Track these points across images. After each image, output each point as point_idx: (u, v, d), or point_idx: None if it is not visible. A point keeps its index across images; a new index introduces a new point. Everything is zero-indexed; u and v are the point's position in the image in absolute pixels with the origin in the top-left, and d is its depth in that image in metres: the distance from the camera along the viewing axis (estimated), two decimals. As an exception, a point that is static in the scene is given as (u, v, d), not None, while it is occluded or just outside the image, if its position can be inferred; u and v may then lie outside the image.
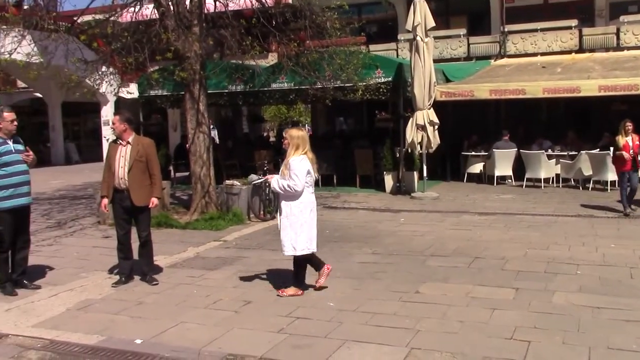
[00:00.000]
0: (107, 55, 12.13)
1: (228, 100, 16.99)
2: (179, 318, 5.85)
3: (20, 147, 6.88)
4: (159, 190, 7.25)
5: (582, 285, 6.62)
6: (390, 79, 14.44)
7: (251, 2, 12.41)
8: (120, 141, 7.07)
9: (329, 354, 4.89)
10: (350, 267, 7.69)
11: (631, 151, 11.03)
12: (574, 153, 15.12)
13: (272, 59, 19.68)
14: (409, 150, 14.46)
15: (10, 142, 6.76)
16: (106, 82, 12.79)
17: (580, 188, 14.70)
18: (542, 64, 17.22)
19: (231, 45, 11.44)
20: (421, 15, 13.55)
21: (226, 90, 16.18)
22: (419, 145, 14.01)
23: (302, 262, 6.62)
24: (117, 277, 7.27)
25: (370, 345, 5.04)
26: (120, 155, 7.01)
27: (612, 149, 11.98)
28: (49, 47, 11.21)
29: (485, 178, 16.35)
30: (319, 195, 14.65)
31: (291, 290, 6.53)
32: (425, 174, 14.32)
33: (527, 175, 15.24)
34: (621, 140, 11.11)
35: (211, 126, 15.02)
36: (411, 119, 13.89)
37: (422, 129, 13.75)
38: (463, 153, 16.95)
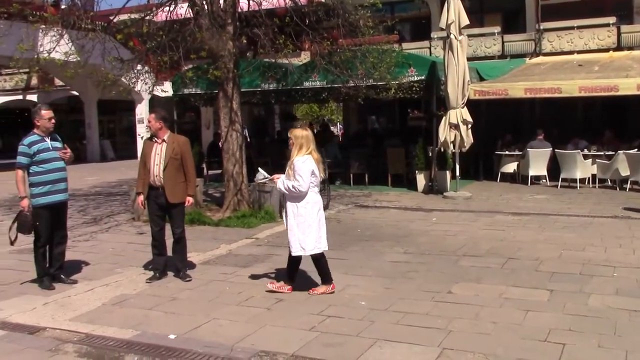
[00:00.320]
0: (143, 54, 12.30)
1: (261, 99, 17.11)
2: (212, 314, 5.91)
3: (58, 144, 7.01)
4: (193, 188, 7.33)
5: (618, 288, 6.50)
6: (423, 77, 14.37)
7: (284, 0, 12.46)
8: (156, 139, 7.16)
9: (360, 352, 4.89)
10: (381, 266, 7.68)
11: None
12: (610, 153, 14.83)
13: (304, 57, 19.73)
14: (442, 149, 14.36)
15: (47, 140, 6.89)
16: (141, 80, 12.97)
17: (617, 189, 14.42)
18: (578, 62, 16.93)
19: (264, 44, 11.49)
20: (455, 13, 13.44)
21: (259, 89, 16.27)
22: (451, 144, 13.90)
23: (319, 259, 6.55)
24: (152, 273, 7.36)
25: (402, 345, 5.02)
26: (155, 152, 7.09)
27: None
28: (86, 46, 11.40)
29: (519, 178, 16.16)
30: (351, 194, 14.81)
31: (321, 288, 6.52)
32: (457, 173, 14.21)
33: (562, 176, 15.00)
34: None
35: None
36: (444, 118, 13.79)
37: (455, 128, 13.64)
38: (496, 152, 16.77)
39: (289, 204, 6.46)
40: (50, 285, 6.93)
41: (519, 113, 18.27)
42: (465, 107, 13.78)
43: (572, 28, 18.63)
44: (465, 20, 13.61)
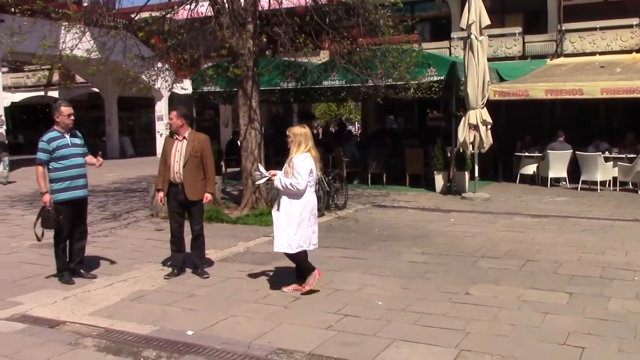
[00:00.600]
0: (163, 52, 12.37)
1: (279, 97, 17.14)
2: (229, 311, 5.93)
3: (78, 140, 7.06)
4: (212, 186, 7.35)
5: (639, 292, 6.42)
6: (442, 77, 14.32)
7: (305, -1, 12.48)
8: (177, 136, 7.19)
9: (377, 352, 4.88)
10: (399, 267, 7.66)
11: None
12: (632, 155, 14.66)
13: (323, 56, 19.73)
14: (461, 150, 14.29)
15: (67, 136, 6.93)
16: (161, 78, 13.07)
17: (639, 192, 14.25)
18: (600, 63, 16.76)
19: (284, 43, 11.50)
20: (476, 13, 13.37)
21: (278, 87, 16.31)
22: (470, 145, 13.82)
23: (299, 255, 6.49)
24: (170, 269, 7.40)
25: (419, 345, 5.01)
26: (176, 149, 7.12)
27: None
28: (108, 43, 11.50)
29: (538, 179, 16.04)
30: (368, 193, 14.78)
31: (309, 280, 6.46)
32: (476, 174, 14.13)
33: (582, 178, 14.86)
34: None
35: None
36: (463, 118, 13.72)
37: (474, 129, 13.56)
38: (516, 154, 16.65)
39: (283, 201, 6.43)
40: (70, 280, 7.01)
41: (539, 114, 18.11)
42: (485, 108, 13.71)
43: (594, 29, 18.44)
44: (486, 21, 13.53)
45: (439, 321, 5.58)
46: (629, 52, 17.68)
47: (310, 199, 6.43)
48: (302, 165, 6.24)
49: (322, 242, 9.08)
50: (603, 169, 14.69)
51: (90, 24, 11.33)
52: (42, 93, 35.14)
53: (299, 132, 6.39)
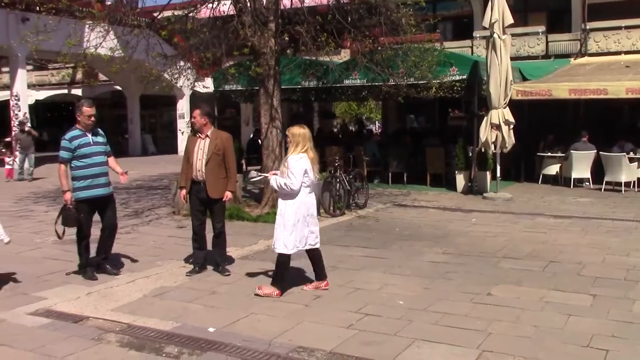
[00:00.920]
0: (186, 51, 12.44)
1: (301, 96, 17.17)
2: (250, 309, 5.95)
3: (101, 139, 7.09)
4: (234, 184, 7.38)
5: (665, 294, 6.34)
6: (465, 76, 14.24)
7: (327, -2, 12.48)
8: (199, 134, 7.23)
9: (398, 351, 4.87)
10: (420, 266, 7.63)
11: None
12: (658, 156, 14.46)
13: (344, 55, 19.71)
14: (482, 150, 14.19)
15: (89, 135, 6.96)
16: (183, 76, 13.14)
17: (664, 193, 14.07)
18: (625, 63, 16.53)
19: (306, 42, 11.51)
20: (499, 11, 13.26)
21: (299, 86, 16.34)
22: (492, 145, 13.72)
23: (285, 262, 6.43)
24: (191, 266, 7.45)
25: (440, 346, 4.99)
26: (198, 147, 7.16)
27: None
28: (131, 42, 11.60)
29: (561, 180, 15.88)
30: (389, 192, 14.74)
31: (268, 289, 6.39)
32: (498, 174, 14.02)
33: (606, 179, 14.68)
34: None
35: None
36: (486, 118, 13.63)
37: (496, 128, 13.47)
38: (539, 154, 16.50)
39: (279, 201, 6.42)
40: (93, 276, 7.08)
41: (562, 114, 17.92)
42: (507, 108, 13.60)
43: (619, 28, 18.18)
44: (510, 19, 13.42)
45: (460, 321, 5.55)
46: (655, 51, 17.42)
47: (305, 199, 6.36)
48: (297, 165, 6.20)
49: (343, 241, 9.15)
50: (627, 170, 14.50)
51: (114, 23, 11.43)
52: (65, 91, 35.53)
53: (297, 133, 6.36)
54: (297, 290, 6.58)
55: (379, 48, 13.18)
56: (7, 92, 26.56)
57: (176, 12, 13.14)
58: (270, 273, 6.72)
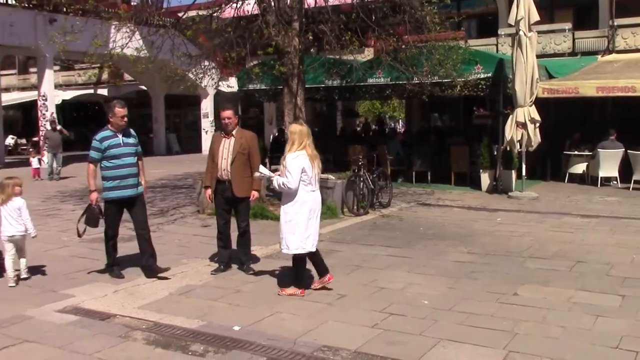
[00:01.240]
0: (210, 50, 12.52)
1: (324, 95, 17.17)
2: (275, 308, 5.97)
3: (131, 140, 7.08)
4: (259, 183, 7.38)
5: (696, 295, 6.22)
6: (490, 74, 14.13)
7: (351, -3, 12.47)
8: (224, 133, 7.25)
9: (423, 351, 4.84)
10: (444, 266, 7.58)
11: None
12: (687, 155, 14.19)
13: (368, 54, 19.65)
14: (508, 148, 14.06)
15: (119, 136, 6.97)
16: (208, 76, 13.23)
17: (694, 192, 13.81)
18: (654, 60, 16.25)
19: (330, 40, 11.51)
20: (525, 8, 13.12)
21: (323, 85, 16.34)
22: (518, 144, 13.59)
23: (299, 260, 6.42)
24: (216, 265, 7.49)
25: (466, 346, 4.95)
26: (224, 147, 7.17)
27: None
28: (156, 42, 11.71)
29: (588, 179, 15.66)
30: (413, 191, 14.68)
31: (290, 289, 6.41)
32: (524, 173, 13.88)
33: (634, 177, 14.45)
34: None
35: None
36: (511, 116, 13.50)
37: (522, 127, 13.33)
38: (565, 152, 16.29)
39: (282, 201, 6.40)
40: (120, 274, 7.15)
41: (589, 112, 17.69)
42: (533, 106, 13.45)
43: (648, 24, 17.90)
44: (536, 16, 13.27)
45: (486, 322, 5.50)
46: (685, 48, 17.11)
47: (307, 198, 6.27)
48: (293, 163, 6.14)
49: (367, 240, 9.14)
50: (657, 169, 14.27)
51: (140, 23, 11.55)
52: (91, 91, 35.99)
53: (292, 130, 6.32)
54: (321, 289, 6.56)
55: (403, 46, 13.14)
56: (35, 92, 26.96)
57: (201, 12, 13.25)
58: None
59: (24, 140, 33.94)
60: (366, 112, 41.28)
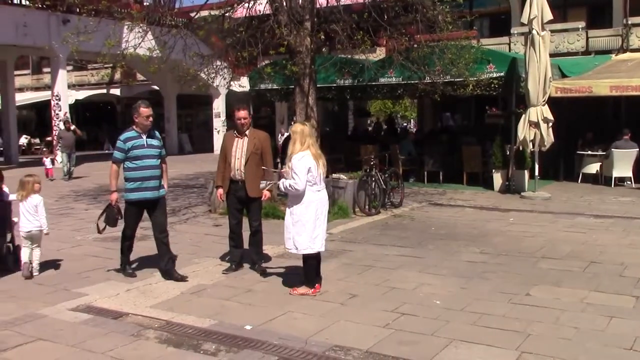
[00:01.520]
0: (222, 50, 12.55)
1: (336, 95, 17.14)
2: (287, 307, 5.97)
3: (155, 142, 7.02)
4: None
5: None
6: (502, 74, 14.06)
7: (362, -4, 12.45)
8: (237, 133, 7.25)
9: (435, 352, 4.83)
10: (456, 266, 7.55)
11: None
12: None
13: (379, 53, 19.64)
14: (520, 148, 13.99)
15: (144, 137, 6.90)
16: (220, 75, 13.26)
17: None
18: (669, 59, 16.11)
19: (342, 40, 11.50)
20: (538, 7, 13.04)
21: (334, 85, 16.32)
22: (531, 143, 13.50)
23: (310, 260, 6.42)
24: (228, 264, 7.50)
25: (478, 346, 4.93)
26: (236, 147, 7.16)
27: None
28: (169, 42, 11.75)
29: (601, 179, 15.54)
30: (425, 191, 14.64)
31: (302, 289, 6.41)
32: (536, 172, 13.80)
33: (648, 177, 14.35)
34: None
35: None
36: (524, 116, 13.42)
37: (535, 126, 13.25)
38: (578, 152, 16.19)
39: (289, 201, 6.39)
40: (132, 273, 7.19)
41: (603, 112, 17.56)
42: (546, 105, 13.37)
43: (662, 23, 17.76)
44: (549, 15, 13.18)
45: (498, 322, 5.48)
46: (700, 46, 16.95)
47: (313, 198, 6.25)
48: (299, 164, 6.12)
49: (378, 240, 9.12)
50: (671, 169, 14.15)
51: (152, 23, 11.60)
52: (104, 91, 36.21)
53: (294, 130, 6.31)
54: (333, 289, 6.57)
55: (415, 46, 13.11)
56: (48, 92, 27.18)
57: (213, 12, 13.27)
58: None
59: (37, 140, 34.24)
60: (378, 111, 41.22)
